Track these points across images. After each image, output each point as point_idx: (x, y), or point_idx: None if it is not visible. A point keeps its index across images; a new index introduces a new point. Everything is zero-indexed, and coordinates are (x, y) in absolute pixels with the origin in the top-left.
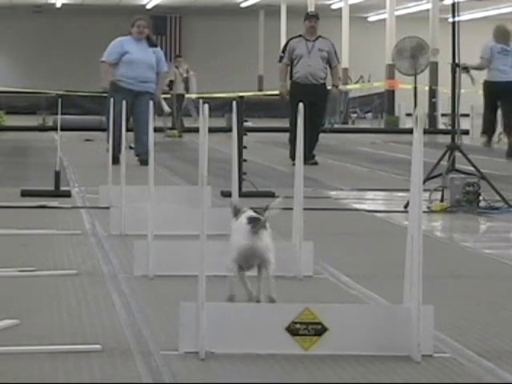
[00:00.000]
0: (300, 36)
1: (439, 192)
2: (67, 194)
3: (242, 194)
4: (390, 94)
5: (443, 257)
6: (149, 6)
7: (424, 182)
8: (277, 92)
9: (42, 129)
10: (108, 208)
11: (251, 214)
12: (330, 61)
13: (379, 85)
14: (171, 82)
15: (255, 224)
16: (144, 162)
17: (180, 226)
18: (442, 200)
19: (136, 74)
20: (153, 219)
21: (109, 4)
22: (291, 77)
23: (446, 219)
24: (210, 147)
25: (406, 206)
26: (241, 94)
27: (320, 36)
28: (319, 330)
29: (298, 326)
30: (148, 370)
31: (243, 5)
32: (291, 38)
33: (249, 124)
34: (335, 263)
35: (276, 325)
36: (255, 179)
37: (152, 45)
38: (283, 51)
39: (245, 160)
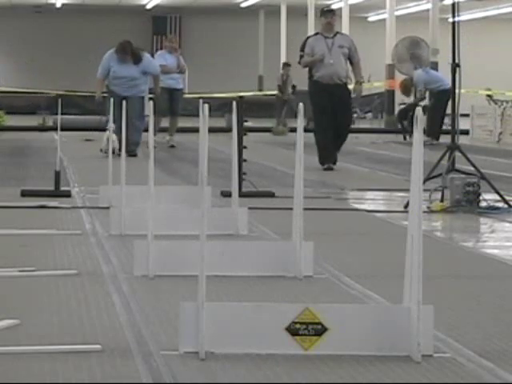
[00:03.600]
0: (317, 34)
1: (439, 192)
2: (67, 194)
3: (241, 194)
4: (390, 94)
5: (443, 257)
6: (149, 6)
7: (424, 181)
8: (276, 92)
9: (42, 129)
10: (108, 208)
11: None
12: (351, 57)
13: (379, 85)
14: (279, 86)
15: None
16: (131, 153)
17: (180, 225)
18: (442, 200)
19: (120, 83)
20: (153, 219)
21: (109, 4)
22: (311, 76)
23: (446, 219)
24: (209, 147)
25: (406, 206)
26: (241, 93)
27: (338, 32)
28: (319, 330)
29: (298, 326)
30: (148, 370)
31: (243, 5)
32: (308, 37)
33: (249, 124)
34: (335, 263)
35: (276, 325)
36: (255, 179)
37: (136, 62)
38: (302, 49)
39: (245, 160)
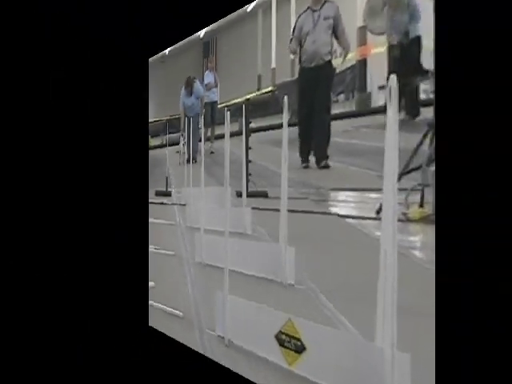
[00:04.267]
0: (308, 8)
1: (418, 192)
2: (169, 194)
3: (248, 194)
4: (362, 65)
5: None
6: (201, 35)
7: (399, 178)
8: (272, 88)
9: (161, 146)
10: (185, 205)
11: None
12: (336, 29)
13: (350, 57)
14: None
15: None
16: (194, 160)
17: (218, 222)
18: (421, 204)
19: (189, 110)
20: (204, 216)
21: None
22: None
23: (428, 232)
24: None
25: (378, 212)
26: (246, 95)
27: (326, 0)
28: (299, 347)
29: (283, 336)
30: (201, 344)
31: (249, 9)
32: (300, 14)
33: (252, 125)
34: (312, 273)
35: (270, 328)
36: (256, 179)
37: (189, 94)
38: (293, 32)
39: (250, 161)
